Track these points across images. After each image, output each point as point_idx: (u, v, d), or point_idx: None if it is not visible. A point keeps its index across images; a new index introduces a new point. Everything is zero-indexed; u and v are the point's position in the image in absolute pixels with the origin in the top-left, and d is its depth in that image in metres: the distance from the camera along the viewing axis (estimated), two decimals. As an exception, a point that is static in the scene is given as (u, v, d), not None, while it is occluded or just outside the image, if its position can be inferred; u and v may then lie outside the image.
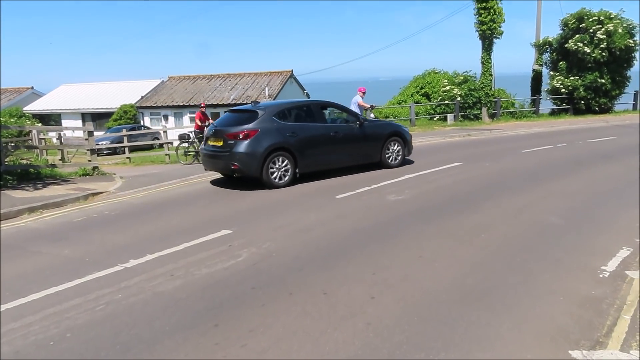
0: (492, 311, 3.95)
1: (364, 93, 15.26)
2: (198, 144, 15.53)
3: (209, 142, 9.65)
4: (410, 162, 11.33)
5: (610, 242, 5.53)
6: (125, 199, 9.25)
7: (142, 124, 35.73)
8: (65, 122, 37.46)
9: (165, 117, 36.49)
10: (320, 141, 9.71)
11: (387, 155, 10.66)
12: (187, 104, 35.64)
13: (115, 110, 36.05)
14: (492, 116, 23.16)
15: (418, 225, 6.42)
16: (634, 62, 23.41)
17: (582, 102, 23.43)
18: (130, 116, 35.71)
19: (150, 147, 27.42)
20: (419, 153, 13.15)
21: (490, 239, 5.75)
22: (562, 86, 23.41)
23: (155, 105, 36.65)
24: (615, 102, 24.75)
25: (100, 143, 26.22)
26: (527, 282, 4.51)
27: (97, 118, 36.96)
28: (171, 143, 19.35)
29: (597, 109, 23.56)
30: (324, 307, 4.13)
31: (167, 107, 36.24)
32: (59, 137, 22.94)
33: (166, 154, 18.76)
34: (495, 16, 22.48)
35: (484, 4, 22.37)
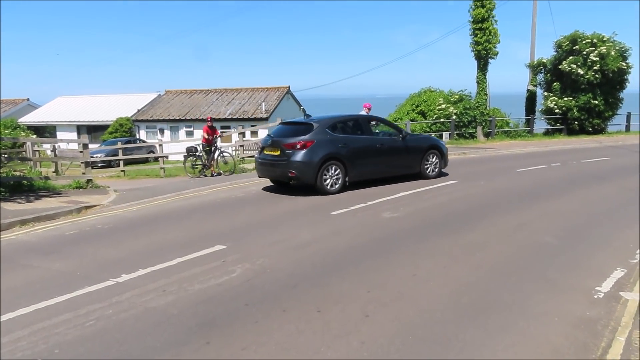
0: (487, 331, 3.92)
1: (369, 109, 15.42)
2: (205, 157, 15.62)
3: (265, 152, 10.35)
4: (445, 174, 11.91)
5: (605, 262, 5.53)
6: (119, 212, 9.19)
7: (137, 137, 35.71)
8: (60, 135, 37.42)
9: (161, 131, 36.53)
10: (368, 152, 10.46)
11: (425, 167, 11.36)
12: (184, 118, 35.73)
13: (111, 123, 36.06)
14: (487, 135, 23.31)
15: (413, 243, 6.40)
16: (627, 84, 23.71)
17: (576, 122, 23.65)
18: (126, 129, 35.71)
19: (145, 161, 27.37)
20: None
21: (485, 258, 5.74)
22: (556, 106, 23.64)
23: (151, 118, 36.71)
24: (609, 123, 24.99)
25: (95, 156, 26.14)
26: (522, 302, 4.48)
27: (92, 131, 36.92)
28: (166, 157, 19.34)
29: (590, 129, 23.77)
30: (317, 325, 4.09)
31: (164, 120, 36.30)
32: (53, 150, 22.86)
33: (161, 168, 18.73)
34: (490, 37, 22.80)
35: (479, 25, 22.70)
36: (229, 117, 34.45)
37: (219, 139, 16.32)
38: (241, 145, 19.01)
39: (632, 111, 26.09)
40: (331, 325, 4.07)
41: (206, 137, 15.63)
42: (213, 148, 15.63)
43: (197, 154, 15.73)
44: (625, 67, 22.97)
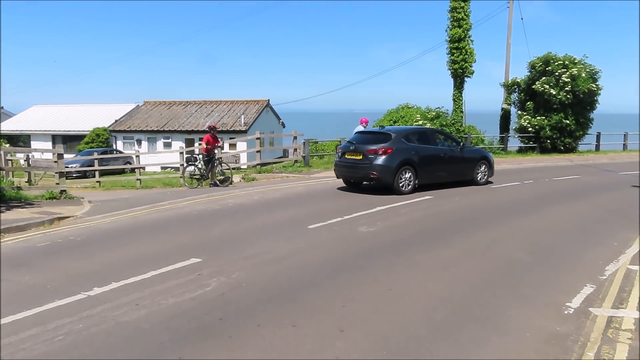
0: (460, 347, 3.96)
1: (366, 124, 15.82)
2: (204, 167, 15.09)
3: (347, 156, 11.98)
4: (491, 182, 13.34)
5: (575, 278, 5.66)
6: (93, 224, 9.01)
7: (114, 148, 35.20)
8: (34, 144, 36.65)
9: (139, 142, 36.09)
10: (434, 160, 12.10)
11: (477, 175, 12.99)
12: (162, 129, 35.41)
13: (88, 133, 35.48)
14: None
15: (388, 257, 6.45)
16: (597, 105, 24.51)
17: (548, 141, 24.27)
18: (102, 140, 35.17)
19: (122, 172, 26.96)
20: (391, 186, 13.32)
21: (459, 274, 5.81)
22: (529, 125, 24.24)
23: (129, 129, 36.27)
24: (579, 142, 25.71)
25: (70, 166, 25.65)
26: (495, 317, 4.55)
27: (68, 140, 36.23)
28: (143, 168, 19.07)
29: (562, 148, 24.42)
30: (292, 340, 4.07)
31: (141, 131, 35.90)
32: (27, 159, 22.35)
33: (137, 179, 18.47)
34: (466, 56, 23.36)
35: (456, 44, 23.25)
36: (208, 129, 34.27)
37: (219, 149, 15.79)
38: (219, 158, 18.90)
39: (601, 131, 26.95)
40: (306, 341, 4.05)
41: (208, 147, 15.06)
42: (213, 158, 15.14)
43: (197, 163, 15.19)
44: (595, 89, 23.76)
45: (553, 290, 5.29)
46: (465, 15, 23.28)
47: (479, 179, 13.00)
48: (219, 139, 15.89)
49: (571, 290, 5.25)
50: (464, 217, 9.15)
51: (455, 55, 23.34)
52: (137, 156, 20.98)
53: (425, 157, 11.82)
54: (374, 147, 11.43)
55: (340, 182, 12.97)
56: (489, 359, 3.79)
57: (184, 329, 4.29)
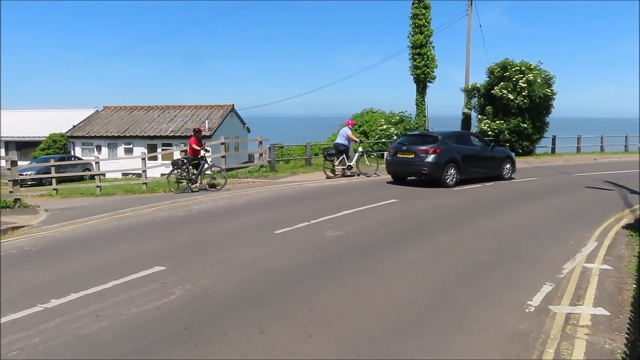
0: (426, 348, 4.01)
1: (352, 126, 16.71)
2: (192, 170, 14.44)
3: (399, 155, 13.86)
4: (513, 178, 15.18)
5: (535, 277, 5.84)
6: (50, 233, 8.67)
7: (72, 154, 34.05)
8: (-15, 151, 34.96)
9: (98, 148, 35.06)
10: (471, 158, 13.99)
11: (503, 171, 14.97)
12: (123, 134, 34.51)
13: (44, 139, 34.18)
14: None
15: (355, 261, 6.47)
16: (552, 109, 25.49)
17: (507, 144, 25.02)
18: (59, 146, 33.95)
19: (80, 179, 26.10)
20: (358, 190, 13.43)
21: (425, 275, 5.89)
22: (489, 129, 24.94)
23: (88, 135, 35.19)
24: (536, 145, 26.65)
25: (24, 173, 24.63)
26: (460, 317, 4.63)
27: (22, 147, 34.80)
28: (103, 175, 18.51)
29: (520, 151, 25.23)
30: (259, 347, 4.02)
31: (101, 137, 34.89)
32: (-23, 166, 21.34)
33: (97, 186, 17.92)
34: (428, 62, 23.86)
35: (418, 50, 23.72)
36: (171, 134, 33.67)
37: (206, 152, 14.91)
38: (209, 161, 18.57)
39: (556, 134, 28.03)
40: (274, 347, 4.01)
41: (196, 148, 14.41)
42: (202, 161, 14.50)
43: (184, 167, 14.45)
44: (550, 94, 24.71)
45: (514, 289, 5.44)
46: (426, 22, 23.80)
47: (504, 174, 14.92)
48: (203, 143, 15.17)
49: (532, 289, 5.40)
50: (428, 220, 9.31)
51: (417, 60, 23.80)
52: (97, 162, 20.40)
53: (465, 156, 13.76)
54: (424, 147, 13.29)
55: (307, 185, 12.98)
56: (454, 358, 3.85)
57: (147, 339, 4.17)
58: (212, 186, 14.72)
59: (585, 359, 3.89)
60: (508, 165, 15.07)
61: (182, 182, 14.70)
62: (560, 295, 5.24)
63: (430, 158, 13.14)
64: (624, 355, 3.94)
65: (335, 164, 16.14)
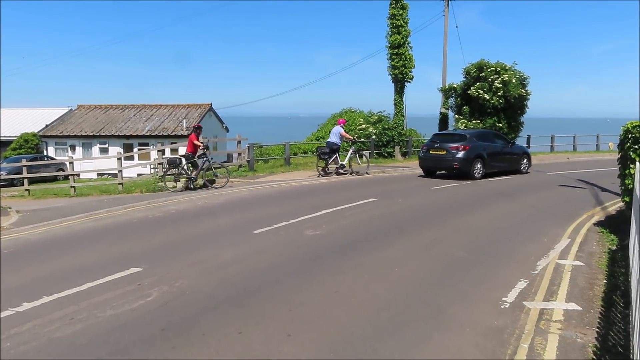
0: (405, 346, 4.05)
1: (344, 124, 17.22)
2: (191, 168, 14.25)
3: (431, 152, 15.60)
4: (529, 172, 16.73)
5: (510, 274, 5.95)
6: (22, 235, 8.46)
7: (45, 154, 33.25)
8: (-47, 150, 33.86)
9: (73, 148, 34.31)
10: (494, 154, 15.69)
11: (521, 166, 16.62)
12: (98, 134, 33.85)
13: (15, 138, 33.27)
14: (404, 154, 24.36)
15: (334, 260, 6.49)
16: (526, 109, 25.98)
17: (484, 143, 25.43)
18: (32, 145, 33.10)
19: (54, 179, 25.51)
20: (337, 189, 13.46)
21: (403, 273, 5.95)
22: (465, 128, 25.27)
23: (61, 134, 34.38)
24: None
25: (-6, 174, 23.93)
26: (437, 315, 4.69)
27: (-8, 147, 33.82)
28: (78, 175, 18.11)
29: (496, 150, 25.65)
30: (238, 347, 4.00)
31: (75, 136, 34.13)
32: (-55, 167, 20.69)
33: (71, 187, 17.54)
34: (406, 62, 24.01)
35: (396, 50, 23.85)
36: (148, 133, 33.15)
37: (207, 149, 14.86)
38: (160, 163, 18.33)
39: (531, 134, 28.60)
40: (252, 347, 4.00)
41: (198, 143, 14.23)
42: (203, 158, 14.36)
43: (182, 165, 14.25)
44: (525, 94, 25.17)
45: (490, 286, 5.53)
46: (404, 22, 23.95)
47: (522, 169, 16.58)
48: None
49: (507, 286, 5.51)
50: (406, 218, 9.39)
51: (395, 60, 23.94)
52: (71, 162, 19.93)
53: (490, 152, 15.47)
54: (455, 144, 15.01)
55: (287, 185, 12.93)
56: (432, 355, 3.90)
57: (123, 341, 4.11)
58: (211, 182, 14.59)
59: (557, 354, 3.98)
60: (525, 160, 16.75)
61: (179, 181, 14.56)
62: (534, 291, 5.36)
63: (460, 154, 14.85)
64: (595, 349, 4.05)
65: (329, 162, 16.36)
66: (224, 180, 14.84)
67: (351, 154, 16.83)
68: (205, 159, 14.46)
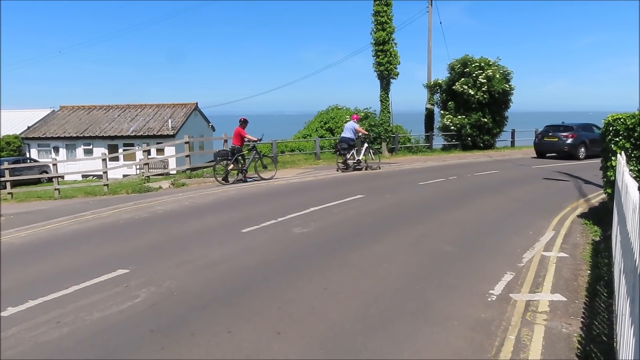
0: (394, 340, 4.08)
1: (357, 120, 17.57)
2: (243, 161, 14.95)
3: (545, 139, 20.66)
4: None
5: (496, 267, 6.02)
6: (5, 239, 8.33)
7: (28, 156, 32.76)
8: None
9: (56, 149, 33.86)
10: (593, 141, 19.40)
11: None
12: (82, 135, 33.45)
13: (-4, 141, 32.75)
14: (391, 151, 24.45)
15: (323, 257, 6.51)
16: (510, 104, 26.27)
17: (469, 138, 25.64)
18: (13, 148, 32.63)
19: (37, 182, 25.16)
20: (324, 186, 13.48)
21: (391, 269, 5.98)
22: (451, 124, 25.47)
23: (44, 136, 33.91)
24: (497, 139, 27.40)
25: (-24, 177, 23.49)
26: (426, 309, 4.73)
27: (-27, 150, 33.19)
28: (62, 177, 17.87)
29: (481, 145, 25.89)
30: (228, 346, 3.99)
31: (58, 138, 33.68)
32: None
33: (56, 189, 17.31)
34: (391, 58, 24.08)
35: (381, 47, 23.90)
36: (133, 134, 32.83)
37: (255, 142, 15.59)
38: (146, 164, 18.17)
39: (515, 128, 28.90)
40: (242, 346, 3.99)
41: (248, 137, 14.81)
42: (253, 151, 15.14)
43: (232, 159, 14.65)
44: (509, 89, 25.43)
45: (477, 279, 5.60)
46: (388, 18, 24.00)
47: None
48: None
49: (494, 279, 5.57)
50: (394, 214, 9.44)
51: (380, 57, 24.00)
52: (55, 164, 19.67)
53: (590, 139, 19.79)
54: (565, 133, 20.02)
55: (274, 183, 12.89)
56: (421, 349, 3.94)
57: (112, 344, 4.08)
58: (259, 174, 15.19)
59: (543, 345, 4.04)
60: None
61: (233, 172, 15.09)
62: (521, 284, 5.43)
63: (569, 140, 19.82)
64: (579, 339, 4.12)
65: (347, 157, 16.74)
66: (272, 173, 15.75)
67: (366, 149, 17.35)
68: (255, 151, 15.25)
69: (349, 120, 17.62)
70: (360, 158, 17.15)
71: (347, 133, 16.81)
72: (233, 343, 4.04)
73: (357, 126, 16.87)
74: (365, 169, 17.18)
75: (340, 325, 4.37)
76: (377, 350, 3.89)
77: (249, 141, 15.10)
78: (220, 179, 14.85)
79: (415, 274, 5.81)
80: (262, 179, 15.04)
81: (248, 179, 14.98)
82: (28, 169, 26.72)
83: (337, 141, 17.80)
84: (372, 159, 18.01)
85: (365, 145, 17.39)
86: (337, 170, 16.58)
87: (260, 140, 15.32)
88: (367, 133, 18.06)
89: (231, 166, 14.75)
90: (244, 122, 15.03)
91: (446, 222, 8.64)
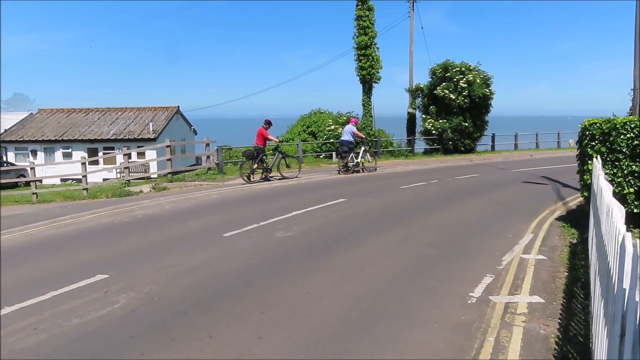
0: (375, 343, 4.10)
1: (355, 123, 17.90)
2: (267, 160, 15.76)
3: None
4: None
5: (477, 270, 6.10)
6: (-20, 244, 8.13)
7: (4, 160, 32.06)
8: None
9: (34, 153, 33.21)
10: None
11: None
12: (60, 138, 32.85)
13: (-29, 144, 31.98)
14: (373, 154, 24.58)
15: (305, 261, 6.51)
16: (491, 108, 26.65)
17: (450, 142, 25.93)
18: (-11, 151, 31.89)
19: (14, 186, 24.66)
20: (307, 189, 13.48)
21: (374, 272, 6.01)
22: (432, 128, 25.73)
23: (21, 139, 33.22)
24: (477, 143, 27.76)
25: (-50, 181, 22.90)
26: (407, 311, 4.77)
27: (-53, 153, 32.36)
28: (40, 181, 17.54)
29: (462, 149, 26.20)
30: (209, 351, 3.97)
31: (36, 141, 33.04)
32: None
33: (33, 193, 16.97)
34: (373, 62, 24.25)
35: (363, 51, 24.06)
36: (113, 137, 32.38)
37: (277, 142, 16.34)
38: (126, 167, 17.94)
39: (495, 132, 29.33)
40: (223, 351, 3.97)
41: (271, 138, 15.52)
42: (276, 151, 15.87)
43: (259, 158, 15.28)
44: (489, 93, 25.80)
45: (458, 282, 5.66)
46: (370, 23, 24.18)
47: None
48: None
49: (474, 281, 5.65)
50: (376, 217, 9.49)
51: (362, 61, 24.15)
52: (32, 168, 19.31)
53: None
54: None
55: (257, 187, 12.83)
56: (402, 351, 3.96)
57: (90, 350, 4.02)
58: (282, 173, 15.97)
59: (522, 346, 4.11)
60: None
61: (258, 171, 15.66)
62: (500, 286, 5.51)
63: None
64: (557, 339, 4.20)
65: (347, 160, 17.10)
66: (296, 172, 16.48)
67: (363, 152, 17.80)
68: (278, 152, 15.99)
69: (347, 124, 17.97)
70: (358, 161, 17.55)
71: (346, 136, 17.16)
72: (214, 348, 4.02)
73: (355, 129, 17.29)
74: (362, 171, 17.57)
75: (322, 328, 4.38)
76: (359, 353, 3.91)
77: (270, 141, 15.76)
78: (245, 177, 15.38)
79: (397, 277, 5.85)
80: (284, 177, 15.80)
81: (270, 178, 15.58)
82: (5, 172, 26.14)
83: (338, 145, 18.21)
84: (369, 161, 18.54)
85: (363, 148, 17.84)
86: (339, 173, 17.07)
87: (281, 141, 16.09)
88: (364, 136, 18.48)
89: (255, 165, 15.34)
90: (267, 123, 15.64)
91: (428, 225, 8.72)
